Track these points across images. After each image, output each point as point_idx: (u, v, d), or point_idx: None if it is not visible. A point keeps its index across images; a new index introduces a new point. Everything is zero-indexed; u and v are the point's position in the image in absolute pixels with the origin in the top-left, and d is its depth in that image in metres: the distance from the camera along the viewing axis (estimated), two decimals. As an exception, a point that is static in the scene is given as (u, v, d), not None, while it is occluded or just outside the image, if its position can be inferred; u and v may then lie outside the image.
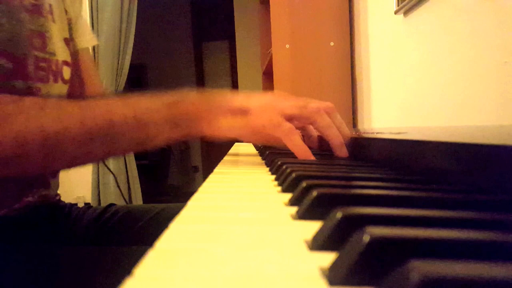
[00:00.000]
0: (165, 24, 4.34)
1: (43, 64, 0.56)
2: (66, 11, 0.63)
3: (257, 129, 0.47)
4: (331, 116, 0.50)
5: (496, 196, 0.23)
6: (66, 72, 0.62)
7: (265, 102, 0.48)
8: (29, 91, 0.54)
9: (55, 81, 0.59)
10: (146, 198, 2.68)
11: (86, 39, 0.73)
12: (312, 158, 0.47)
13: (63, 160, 0.45)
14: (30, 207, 0.58)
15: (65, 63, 0.62)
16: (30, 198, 0.58)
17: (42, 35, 0.56)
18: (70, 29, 0.65)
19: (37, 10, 0.55)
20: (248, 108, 0.47)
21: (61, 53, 0.60)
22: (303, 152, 0.47)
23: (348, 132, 0.52)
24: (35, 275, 0.48)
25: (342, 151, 0.50)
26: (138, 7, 2.51)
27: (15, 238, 0.55)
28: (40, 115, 0.43)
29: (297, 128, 0.50)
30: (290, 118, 0.47)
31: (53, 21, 0.59)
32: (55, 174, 0.66)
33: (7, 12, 0.51)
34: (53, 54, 0.58)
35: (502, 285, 0.11)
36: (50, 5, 0.59)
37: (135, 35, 2.50)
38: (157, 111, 0.46)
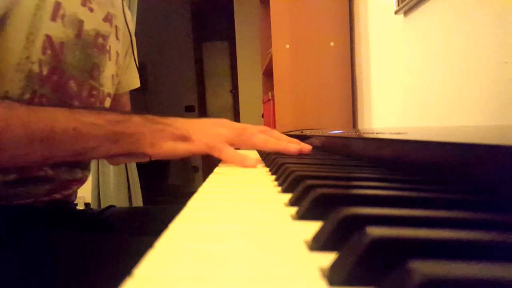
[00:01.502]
0: (165, 24, 4.33)
1: (94, 92, 0.66)
2: (117, 53, 0.74)
3: (197, 153, 0.53)
4: (267, 133, 0.57)
5: (496, 196, 0.23)
6: (107, 103, 0.72)
7: (205, 129, 0.54)
8: None
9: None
10: (146, 198, 2.68)
11: (132, 83, 0.86)
12: (250, 162, 0.52)
13: (3, 157, 0.48)
14: (53, 204, 0.64)
15: (109, 95, 0.72)
16: (57, 195, 0.64)
17: (99, 69, 0.66)
18: (118, 69, 0.76)
19: (102, 48, 0.67)
20: (189, 134, 0.53)
21: (108, 86, 0.71)
22: (239, 160, 0.52)
23: (287, 138, 0.59)
24: (38, 260, 0.49)
25: (291, 148, 0.55)
26: (138, 7, 2.51)
27: (33, 224, 0.59)
28: None
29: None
30: (229, 144, 0.53)
31: (109, 59, 0.70)
32: (81, 182, 0.72)
33: (82, 46, 0.62)
34: (102, 85, 0.68)
35: (502, 285, 0.11)
36: (110, 46, 0.70)
37: (135, 35, 2.49)
38: (99, 126, 0.50)
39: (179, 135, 0.52)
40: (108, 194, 2.47)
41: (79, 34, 0.61)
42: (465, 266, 0.12)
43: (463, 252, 0.14)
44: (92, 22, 0.64)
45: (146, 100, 4.15)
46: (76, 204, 0.75)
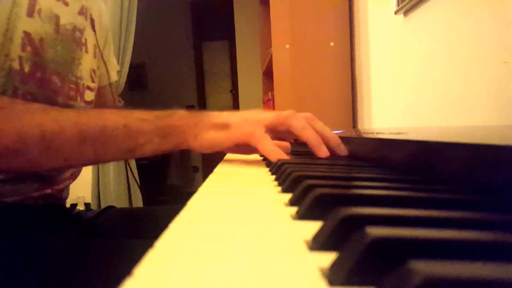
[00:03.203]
0: (165, 24, 4.33)
1: (72, 86, 0.65)
2: (95, 46, 0.73)
3: (237, 141, 0.52)
4: (311, 121, 0.53)
5: (496, 196, 0.23)
6: (88, 95, 0.71)
7: (244, 117, 0.53)
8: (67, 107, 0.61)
9: (81, 101, 0.68)
10: (146, 198, 2.68)
11: (112, 75, 0.84)
12: (285, 157, 0.50)
13: (57, 158, 0.49)
14: (44, 199, 0.63)
15: (88, 87, 0.71)
16: (48, 191, 0.63)
17: (74, 62, 0.66)
18: (98, 61, 0.75)
19: (79, 42, 0.67)
20: (229, 123, 0.52)
21: (86, 79, 0.70)
22: (274, 154, 0.50)
23: (330, 132, 0.54)
24: (34, 261, 0.49)
25: (321, 151, 0.52)
26: (138, 7, 2.51)
27: (22, 224, 0.58)
28: (42, 115, 0.48)
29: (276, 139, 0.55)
30: (268, 128, 0.52)
31: (86, 52, 0.69)
32: (74, 176, 0.71)
33: (61, 41, 0.62)
34: (81, 78, 0.67)
35: (502, 285, 0.11)
36: (86, 39, 0.69)
37: (135, 35, 2.50)
38: (148, 122, 0.51)
39: (219, 124, 0.52)
40: (108, 194, 2.47)
41: (57, 29, 0.61)
42: (465, 266, 0.12)
43: (463, 252, 0.14)
44: (68, 16, 0.63)
45: (146, 100, 4.15)
46: (76, 205, 0.75)
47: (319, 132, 0.52)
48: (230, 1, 3.84)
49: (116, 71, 0.88)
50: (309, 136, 0.51)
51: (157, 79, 4.38)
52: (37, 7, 0.57)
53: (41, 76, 0.58)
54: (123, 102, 1.04)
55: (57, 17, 0.61)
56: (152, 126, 0.51)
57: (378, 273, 0.13)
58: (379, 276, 0.13)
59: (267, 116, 0.53)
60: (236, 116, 0.53)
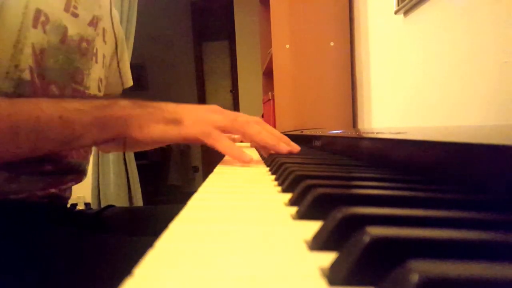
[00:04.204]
0: (165, 24, 4.33)
1: (77, 95, 0.64)
2: (104, 55, 0.73)
3: (190, 138, 0.51)
4: (262, 125, 0.55)
5: (496, 196, 0.23)
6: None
7: (198, 114, 0.52)
8: None
9: None
10: (146, 198, 2.68)
11: (117, 86, 0.84)
12: (247, 157, 0.50)
13: None
14: (48, 198, 0.62)
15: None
16: (53, 190, 0.62)
17: (82, 72, 0.65)
18: (106, 71, 0.75)
19: (86, 52, 0.66)
20: (181, 118, 0.50)
21: (93, 88, 0.69)
22: (235, 152, 0.50)
23: (279, 133, 0.56)
24: (36, 258, 0.49)
25: (282, 147, 0.54)
26: (138, 7, 2.51)
27: (25, 221, 0.57)
28: None
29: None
30: (221, 130, 0.51)
31: (96, 61, 0.69)
32: (79, 178, 0.71)
33: (65, 51, 0.61)
34: (87, 88, 0.67)
35: (502, 285, 0.11)
36: (97, 49, 0.69)
37: (135, 35, 2.50)
38: (85, 112, 0.49)
39: (171, 118, 0.50)
40: (108, 194, 2.47)
41: (63, 40, 0.60)
42: (465, 266, 0.12)
43: (463, 252, 0.14)
44: (77, 27, 0.63)
45: (146, 99, 4.15)
46: (76, 205, 0.75)
47: (271, 133, 0.54)
48: (230, 1, 3.84)
49: (130, 79, 0.88)
50: (266, 139, 0.53)
51: (157, 79, 4.37)
52: (41, 19, 0.57)
53: (40, 85, 0.58)
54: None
55: (65, 29, 0.61)
56: (89, 117, 0.48)
57: (378, 273, 0.13)
58: (379, 276, 0.13)
59: (222, 118, 0.52)
60: (189, 111, 0.52)
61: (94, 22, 0.68)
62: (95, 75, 0.69)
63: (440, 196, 0.24)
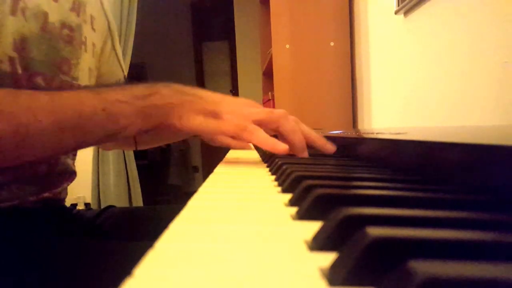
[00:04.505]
0: (165, 24, 4.33)
1: (66, 87, 0.61)
2: (94, 44, 0.70)
3: (227, 133, 0.50)
4: (299, 124, 0.53)
5: (496, 196, 0.23)
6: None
7: (235, 108, 0.51)
8: None
9: None
10: (146, 198, 2.68)
11: (114, 75, 0.79)
12: (281, 146, 0.49)
13: (34, 150, 0.46)
14: (42, 202, 0.61)
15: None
16: (47, 194, 0.61)
17: (69, 62, 0.62)
18: (97, 61, 0.72)
19: (70, 40, 0.63)
20: (220, 112, 0.49)
21: (84, 79, 0.66)
22: (270, 144, 0.49)
23: (315, 134, 0.55)
24: (35, 266, 0.48)
25: (303, 155, 0.52)
26: (138, 7, 2.50)
27: (20, 228, 0.57)
28: (12, 105, 0.44)
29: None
30: (258, 123, 0.50)
31: (85, 50, 0.66)
32: (71, 179, 0.69)
33: (48, 40, 0.58)
34: (76, 79, 0.64)
35: (502, 285, 0.11)
36: (86, 37, 0.66)
37: (135, 35, 2.50)
38: (127, 103, 0.48)
39: (210, 110, 0.49)
40: (108, 194, 2.47)
41: (44, 27, 0.57)
42: (465, 266, 0.12)
43: (463, 252, 0.14)
44: (57, 13, 0.60)
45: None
46: (76, 205, 0.74)
47: (306, 135, 0.53)
48: (230, 1, 3.84)
49: (119, 69, 0.83)
50: (296, 140, 0.52)
51: (157, 79, 4.35)
52: (20, 5, 0.54)
53: (26, 77, 0.55)
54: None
55: (45, 15, 0.58)
56: (132, 108, 0.48)
57: (378, 273, 0.13)
58: (379, 276, 0.13)
59: (259, 111, 0.51)
60: (227, 105, 0.51)
61: (76, 8, 0.64)
62: (85, 65, 0.66)
63: (440, 196, 0.24)
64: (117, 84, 0.65)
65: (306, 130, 0.54)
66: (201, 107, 0.50)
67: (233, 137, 0.52)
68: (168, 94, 0.50)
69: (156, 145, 0.89)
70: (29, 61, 0.56)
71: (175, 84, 0.51)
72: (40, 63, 0.57)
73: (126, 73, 0.83)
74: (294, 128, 0.52)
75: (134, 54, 2.54)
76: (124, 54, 2.46)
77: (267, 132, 0.52)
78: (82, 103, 0.47)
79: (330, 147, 0.55)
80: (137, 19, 2.50)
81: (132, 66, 2.57)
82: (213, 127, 0.49)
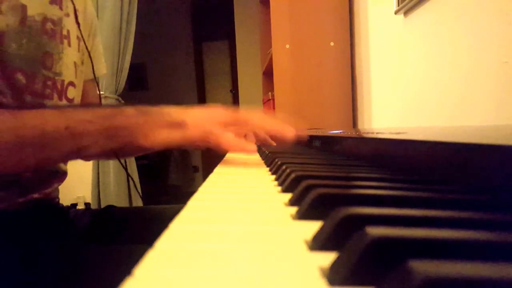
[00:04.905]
0: (165, 24, 4.33)
1: (49, 83, 0.61)
2: (79, 38, 0.68)
3: (194, 140, 0.50)
4: (264, 119, 0.54)
5: (496, 196, 0.23)
6: (71, 92, 0.66)
7: (200, 115, 0.51)
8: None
9: (60, 99, 0.63)
10: (146, 198, 2.67)
11: (96, 69, 0.77)
12: (251, 147, 0.50)
13: None
14: (32, 203, 0.60)
15: (71, 84, 0.66)
16: (36, 195, 0.60)
17: (52, 56, 0.61)
18: (82, 55, 0.70)
19: (54, 34, 0.61)
20: (184, 121, 0.50)
21: (69, 75, 0.65)
22: (239, 145, 0.49)
23: (282, 125, 0.55)
24: (31, 270, 0.48)
25: (287, 133, 0.53)
26: (138, 7, 2.50)
27: (13, 232, 0.56)
28: None
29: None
30: (225, 126, 0.50)
31: (69, 45, 0.65)
32: (61, 179, 0.68)
33: (28, 34, 0.57)
34: (59, 74, 0.63)
35: (502, 285, 0.11)
36: (68, 31, 0.64)
37: (135, 35, 2.50)
38: (91, 122, 0.48)
39: (174, 122, 0.50)
40: (108, 194, 2.47)
41: (23, 21, 0.56)
42: (465, 266, 0.12)
43: (463, 252, 0.14)
44: (37, 6, 0.58)
45: (146, 100, 4.15)
46: (76, 205, 0.74)
47: (273, 127, 0.54)
48: (230, 1, 3.84)
49: (103, 64, 0.82)
50: (272, 127, 0.53)
51: (157, 79, 4.37)
52: None
53: (4, 73, 0.54)
54: (123, 102, 1.02)
55: (23, 7, 0.56)
56: (96, 127, 0.48)
57: (378, 273, 0.13)
58: (379, 276, 0.13)
59: (222, 113, 0.52)
60: (192, 114, 0.51)
61: (58, 1, 0.63)
62: (69, 60, 0.65)
63: (440, 196, 0.24)
64: (83, 105, 0.65)
65: (270, 124, 0.54)
66: (164, 122, 0.50)
67: (201, 145, 0.52)
68: (132, 114, 0.50)
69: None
70: (8, 57, 0.55)
71: (140, 106, 0.51)
72: (20, 58, 0.56)
73: (98, 74, 0.80)
74: (263, 117, 0.52)
75: (134, 54, 2.54)
76: (124, 54, 2.47)
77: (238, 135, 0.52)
78: (44, 121, 0.46)
79: (289, 132, 0.54)
80: (137, 19, 2.50)
81: (132, 66, 2.57)
82: (179, 137, 0.49)
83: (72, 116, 0.48)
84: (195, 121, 0.50)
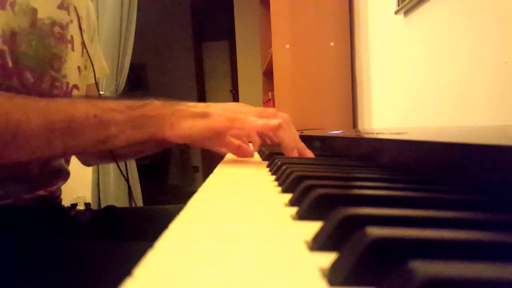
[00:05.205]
0: (165, 24, 4.33)
1: (57, 84, 0.63)
2: (82, 44, 0.71)
3: (219, 129, 0.50)
4: (289, 124, 0.54)
5: (496, 196, 0.23)
6: (75, 94, 0.68)
7: (224, 107, 0.52)
8: None
9: None
10: (146, 198, 2.68)
11: (101, 69, 0.81)
12: (274, 126, 0.50)
13: (23, 149, 0.46)
14: (38, 200, 0.61)
15: (75, 86, 0.68)
16: (42, 192, 0.61)
17: (60, 59, 0.64)
18: (86, 60, 0.72)
19: (61, 38, 0.64)
20: (208, 112, 0.50)
21: (73, 78, 0.67)
22: (263, 124, 0.50)
23: (298, 139, 0.55)
24: (33, 266, 0.48)
25: (293, 154, 0.53)
26: (138, 7, 2.51)
27: (18, 227, 0.57)
28: (6, 103, 0.45)
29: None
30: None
31: (73, 49, 0.67)
32: (65, 178, 0.70)
33: (38, 36, 0.59)
34: (65, 76, 0.65)
35: (502, 285, 0.11)
36: (72, 36, 0.67)
37: (135, 35, 2.50)
38: (119, 112, 0.49)
39: (198, 112, 0.50)
40: (108, 194, 2.47)
41: (33, 23, 0.59)
42: (465, 266, 0.12)
43: (463, 252, 0.14)
44: (46, 10, 0.61)
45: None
46: (76, 205, 0.74)
47: (293, 135, 0.54)
48: (230, 1, 3.84)
49: (103, 68, 0.85)
50: (285, 138, 0.53)
51: (157, 79, 4.38)
52: (9, 0, 0.55)
53: (15, 71, 0.56)
54: None
55: (34, 11, 0.59)
56: (124, 117, 0.48)
57: (378, 273, 0.13)
58: (379, 276, 0.13)
59: (247, 109, 0.52)
60: (215, 106, 0.52)
61: (65, 6, 0.65)
62: (73, 64, 0.67)
63: (440, 196, 0.24)
64: (111, 97, 0.66)
65: (294, 131, 0.55)
66: (190, 112, 0.50)
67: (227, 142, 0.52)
68: (159, 105, 0.51)
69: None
70: (19, 55, 0.57)
71: (167, 100, 0.52)
72: (29, 58, 0.58)
73: (99, 76, 0.83)
74: (283, 126, 0.52)
75: (134, 54, 2.54)
76: (124, 54, 2.47)
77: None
78: (74, 108, 0.47)
79: (310, 152, 0.56)
80: (137, 19, 2.50)
81: (132, 66, 2.58)
82: (203, 126, 0.50)
83: (101, 105, 0.49)
84: (219, 111, 0.50)
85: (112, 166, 2.47)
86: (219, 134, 0.52)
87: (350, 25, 1.72)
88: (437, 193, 0.25)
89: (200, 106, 0.51)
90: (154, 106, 0.50)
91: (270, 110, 0.53)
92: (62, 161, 0.67)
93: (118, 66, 2.47)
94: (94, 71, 0.75)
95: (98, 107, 0.48)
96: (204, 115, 0.50)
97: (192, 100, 0.55)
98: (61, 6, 0.65)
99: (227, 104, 0.53)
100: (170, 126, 0.50)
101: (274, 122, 0.49)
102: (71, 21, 0.67)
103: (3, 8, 0.54)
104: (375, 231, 0.14)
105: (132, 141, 0.50)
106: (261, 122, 0.50)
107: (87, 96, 0.58)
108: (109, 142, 0.49)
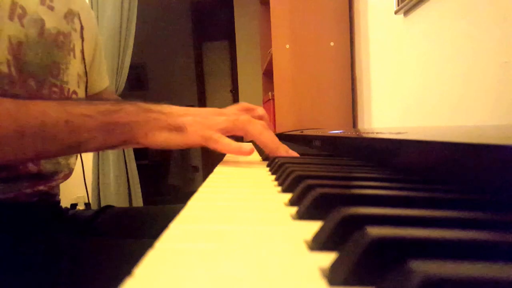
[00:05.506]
0: (165, 24, 4.33)
1: (55, 89, 0.64)
2: (82, 52, 0.73)
3: (193, 145, 0.51)
4: (265, 127, 0.54)
5: (496, 196, 0.23)
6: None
7: (199, 120, 0.52)
8: None
9: None
10: (146, 198, 2.68)
11: (102, 83, 0.86)
12: (246, 148, 0.50)
13: None
14: (37, 196, 0.62)
15: (74, 92, 0.70)
16: (42, 187, 0.62)
17: (59, 66, 0.65)
18: (85, 67, 0.74)
19: (63, 46, 0.66)
20: (184, 125, 0.51)
21: (73, 84, 0.69)
22: (234, 147, 0.50)
23: (278, 140, 0.55)
24: (31, 264, 0.48)
25: (280, 152, 0.53)
26: (138, 7, 2.51)
27: (16, 226, 0.57)
28: None
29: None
30: (223, 132, 0.51)
31: (74, 57, 0.69)
32: (67, 175, 0.71)
33: (44, 45, 0.62)
34: (65, 82, 0.67)
35: (502, 285, 0.11)
36: (74, 44, 0.69)
37: (135, 35, 2.50)
38: (91, 117, 0.48)
39: (174, 125, 0.50)
40: (108, 194, 2.47)
41: (41, 33, 0.61)
42: (465, 266, 0.12)
43: (463, 252, 0.14)
44: (53, 21, 0.64)
45: (146, 100, 4.15)
46: (76, 205, 0.75)
47: (272, 137, 0.54)
48: (230, 1, 3.84)
49: (106, 78, 0.89)
50: (267, 141, 0.53)
51: (157, 79, 4.38)
52: (17, 11, 0.57)
53: (19, 79, 0.58)
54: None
55: (42, 21, 0.61)
56: (95, 123, 0.48)
57: (378, 273, 0.13)
58: (379, 276, 0.13)
59: (224, 119, 0.52)
60: (191, 117, 0.52)
61: (69, 16, 0.68)
62: (73, 71, 0.69)
63: (440, 196, 0.24)
64: (85, 99, 0.68)
65: (270, 133, 0.55)
66: (165, 123, 0.51)
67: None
68: (133, 111, 0.50)
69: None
70: (23, 64, 0.58)
71: (141, 102, 0.52)
72: (33, 66, 0.59)
73: (105, 85, 0.88)
74: (260, 130, 0.53)
75: (134, 54, 2.54)
76: (124, 54, 2.47)
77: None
78: (45, 113, 0.47)
79: (282, 153, 0.55)
80: (137, 19, 2.50)
81: (132, 66, 2.58)
82: (178, 141, 0.50)
83: (72, 110, 0.48)
84: (195, 126, 0.51)
85: (112, 166, 2.47)
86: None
87: (350, 25, 1.72)
88: (437, 193, 0.25)
89: (175, 114, 0.51)
90: (127, 113, 0.50)
91: (244, 118, 0.53)
92: (62, 160, 0.68)
93: (118, 66, 2.47)
94: (86, 81, 0.76)
95: (69, 113, 0.48)
96: (180, 129, 0.50)
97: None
98: (66, 16, 0.67)
99: (201, 113, 0.53)
100: (144, 135, 0.50)
101: (246, 148, 0.50)
102: (75, 30, 0.70)
103: (11, 19, 0.56)
104: (375, 231, 0.14)
105: (104, 146, 0.50)
106: (234, 146, 0.50)
107: (58, 99, 0.58)
108: (81, 147, 0.49)
